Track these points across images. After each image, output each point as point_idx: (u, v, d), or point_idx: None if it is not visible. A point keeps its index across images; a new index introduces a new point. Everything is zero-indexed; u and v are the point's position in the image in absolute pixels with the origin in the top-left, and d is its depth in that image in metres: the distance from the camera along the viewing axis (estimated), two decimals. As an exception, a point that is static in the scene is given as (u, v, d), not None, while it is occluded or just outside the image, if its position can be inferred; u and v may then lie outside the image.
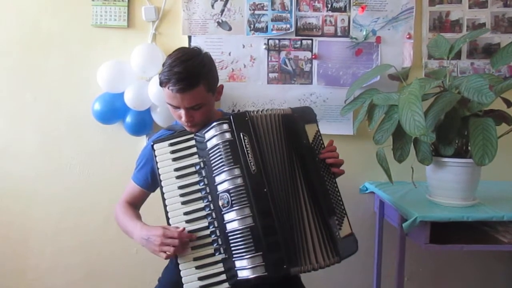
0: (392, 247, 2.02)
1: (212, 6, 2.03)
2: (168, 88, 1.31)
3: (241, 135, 1.29)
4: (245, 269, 1.24)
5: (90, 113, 1.99)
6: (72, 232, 2.13)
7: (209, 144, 1.31)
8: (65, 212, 2.12)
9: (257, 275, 1.22)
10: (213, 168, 1.30)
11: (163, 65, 1.35)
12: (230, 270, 1.26)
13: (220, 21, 2.04)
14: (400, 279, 1.76)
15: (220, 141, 1.29)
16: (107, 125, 2.03)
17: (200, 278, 1.27)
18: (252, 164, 1.27)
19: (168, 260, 1.59)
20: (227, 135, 1.29)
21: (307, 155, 1.35)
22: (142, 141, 2.08)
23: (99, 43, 2.04)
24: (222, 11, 2.03)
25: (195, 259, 1.29)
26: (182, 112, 1.34)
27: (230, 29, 2.04)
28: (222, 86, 1.46)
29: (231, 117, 1.31)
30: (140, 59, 1.90)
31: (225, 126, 1.30)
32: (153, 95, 1.86)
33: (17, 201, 2.12)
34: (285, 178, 1.31)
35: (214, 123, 1.31)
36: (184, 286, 1.27)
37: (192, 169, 1.34)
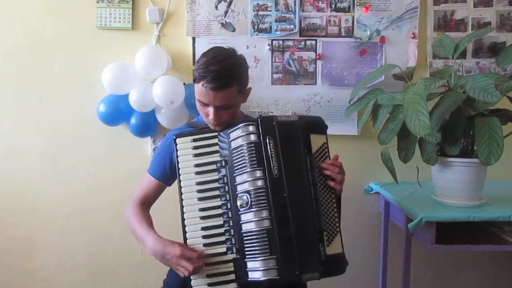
0: (397, 248, 2.01)
1: (216, 7, 2.03)
2: (202, 85, 1.32)
3: (267, 139, 1.29)
4: (257, 270, 1.24)
5: (95, 114, 2.00)
6: (78, 233, 2.14)
7: (234, 144, 1.32)
8: (71, 213, 2.13)
9: (269, 277, 1.23)
10: (235, 168, 1.30)
11: (197, 62, 1.37)
12: (240, 271, 1.26)
13: (224, 22, 2.04)
14: (406, 280, 1.75)
15: (245, 142, 1.29)
16: (112, 127, 2.04)
17: (209, 275, 1.27)
18: (275, 168, 1.28)
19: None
20: (253, 137, 1.30)
21: (304, 164, 1.33)
22: (147, 142, 2.08)
23: (103, 45, 2.05)
24: (226, 12, 2.03)
25: (206, 255, 1.28)
26: (210, 110, 1.35)
27: (234, 30, 2.04)
28: (250, 89, 1.47)
29: (259, 120, 1.31)
30: (144, 60, 1.91)
31: (252, 128, 1.30)
32: (158, 96, 1.86)
33: (24, 202, 2.13)
34: (297, 184, 1.30)
35: (241, 124, 1.31)
36: (191, 281, 1.27)
37: (213, 167, 1.34)
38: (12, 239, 2.14)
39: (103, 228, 2.13)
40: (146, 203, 1.51)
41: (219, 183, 1.33)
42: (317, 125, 1.41)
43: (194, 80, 1.36)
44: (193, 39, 2.04)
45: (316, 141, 1.37)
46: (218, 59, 1.33)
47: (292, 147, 1.32)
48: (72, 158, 2.11)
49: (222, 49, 1.40)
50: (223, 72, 1.31)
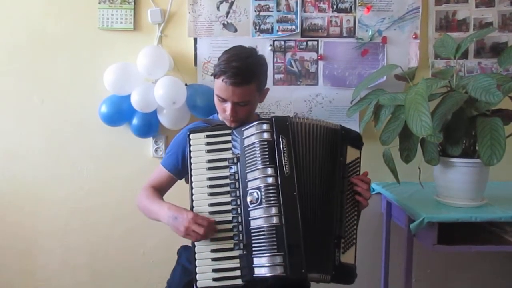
0: (399, 249, 2.01)
1: (218, 8, 2.03)
2: (222, 80, 1.36)
3: (280, 138, 1.31)
4: (263, 266, 1.25)
5: (97, 115, 2.00)
6: (79, 233, 2.14)
7: (247, 141, 1.34)
8: (73, 213, 2.13)
9: (274, 274, 1.23)
10: (247, 165, 1.32)
11: (219, 58, 1.43)
12: (246, 268, 1.27)
13: (226, 22, 2.04)
14: (408, 280, 1.75)
15: (258, 140, 1.32)
16: (114, 127, 2.04)
17: (215, 270, 1.28)
18: (286, 166, 1.30)
19: (175, 262, 1.60)
20: (266, 135, 1.32)
21: (337, 171, 1.37)
22: (149, 143, 2.08)
23: (105, 46, 2.06)
24: (228, 13, 2.04)
25: (213, 250, 1.30)
26: (228, 106, 1.39)
27: (235, 30, 2.04)
28: (268, 89, 1.50)
29: (273, 119, 1.34)
30: (146, 61, 1.91)
31: (265, 126, 1.33)
32: (159, 97, 1.86)
33: (25, 202, 2.13)
34: (315, 186, 1.33)
35: (255, 122, 1.34)
36: (197, 275, 1.28)
37: (225, 163, 1.35)
38: (13, 238, 2.14)
39: (105, 229, 2.13)
40: (157, 189, 1.53)
41: (230, 180, 1.34)
42: (355, 139, 1.46)
43: (215, 76, 1.40)
44: (195, 39, 2.05)
45: (351, 153, 1.41)
46: (240, 57, 1.38)
47: (310, 148, 1.35)
48: (74, 158, 2.11)
49: (244, 47, 1.45)
50: (243, 68, 1.35)
